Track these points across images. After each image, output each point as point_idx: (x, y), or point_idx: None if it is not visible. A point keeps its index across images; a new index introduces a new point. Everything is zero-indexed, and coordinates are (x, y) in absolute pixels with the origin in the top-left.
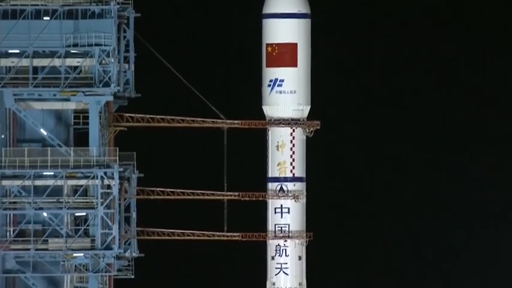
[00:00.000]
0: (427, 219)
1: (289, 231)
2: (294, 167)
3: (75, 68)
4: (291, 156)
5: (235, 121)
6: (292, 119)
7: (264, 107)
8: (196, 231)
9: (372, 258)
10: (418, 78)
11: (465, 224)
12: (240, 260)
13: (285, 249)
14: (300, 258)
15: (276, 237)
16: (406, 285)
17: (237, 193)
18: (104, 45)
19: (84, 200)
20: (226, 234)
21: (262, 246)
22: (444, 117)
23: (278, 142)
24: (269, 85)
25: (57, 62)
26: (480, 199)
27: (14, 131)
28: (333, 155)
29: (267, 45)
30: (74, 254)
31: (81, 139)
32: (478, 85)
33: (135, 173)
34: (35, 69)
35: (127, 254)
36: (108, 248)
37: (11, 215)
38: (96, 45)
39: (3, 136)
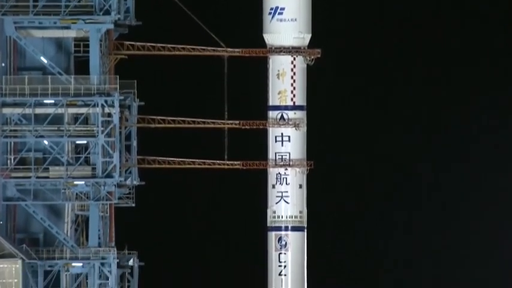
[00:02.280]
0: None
1: (289, 160)
2: (294, 96)
3: None
4: (292, 85)
5: (236, 49)
6: (293, 47)
7: (264, 35)
8: (197, 160)
9: (372, 188)
10: None
11: None
12: (240, 188)
13: (286, 178)
14: (300, 186)
15: (276, 165)
16: (406, 214)
17: (237, 121)
18: None
19: (85, 128)
20: (227, 162)
21: (263, 175)
22: None
23: (279, 70)
24: (270, 13)
25: None
26: None
27: (15, 59)
28: (334, 83)
29: None
30: (75, 182)
31: (81, 67)
32: None
33: (135, 101)
34: None
35: (128, 182)
36: (109, 176)
37: (12, 143)
38: None
39: (3, 64)
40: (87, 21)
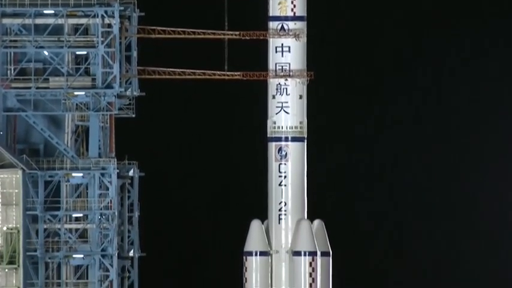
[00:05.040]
0: None
1: (289, 70)
2: (295, 6)
3: None
4: None
5: None
6: None
7: None
8: (197, 71)
9: (371, 109)
10: None
11: None
12: (240, 99)
13: (286, 88)
14: (300, 97)
15: (276, 76)
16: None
17: (237, 32)
18: None
19: (85, 39)
20: (227, 73)
21: (263, 85)
22: None
23: None
24: None
25: None
26: None
27: None
28: None
29: None
30: (75, 93)
31: None
32: None
33: (135, 11)
34: None
35: (128, 93)
36: (109, 86)
37: (12, 54)
38: None
39: None
40: None
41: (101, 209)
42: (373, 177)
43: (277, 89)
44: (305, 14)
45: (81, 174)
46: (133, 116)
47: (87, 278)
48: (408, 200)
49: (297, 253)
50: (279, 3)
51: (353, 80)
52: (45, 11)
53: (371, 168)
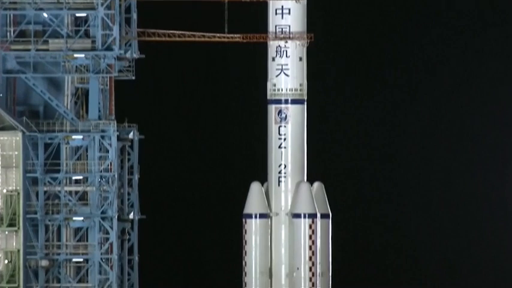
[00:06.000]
0: None
1: (289, 32)
2: None
3: None
4: None
5: None
6: None
7: None
8: (197, 33)
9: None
10: None
11: None
12: (240, 61)
13: (286, 51)
14: (300, 59)
15: (276, 38)
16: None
17: None
18: None
19: (84, 1)
20: (227, 35)
21: (263, 48)
22: None
23: None
24: None
25: None
26: None
27: None
28: None
29: None
30: (75, 55)
31: None
32: None
33: None
34: None
35: (127, 55)
36: (109, 49)
37: (11, 16)
38: None
39: None
40: None
41: (101, 172)
42: (373, 139)
43: (277, 51)
44: None
45: (81, 137)
46: (133, 78)
47: (87, 241)
48: (409, 161)
49: (297, 215)
50: None
51: (353, 42)
52: None
53: (371, 130)
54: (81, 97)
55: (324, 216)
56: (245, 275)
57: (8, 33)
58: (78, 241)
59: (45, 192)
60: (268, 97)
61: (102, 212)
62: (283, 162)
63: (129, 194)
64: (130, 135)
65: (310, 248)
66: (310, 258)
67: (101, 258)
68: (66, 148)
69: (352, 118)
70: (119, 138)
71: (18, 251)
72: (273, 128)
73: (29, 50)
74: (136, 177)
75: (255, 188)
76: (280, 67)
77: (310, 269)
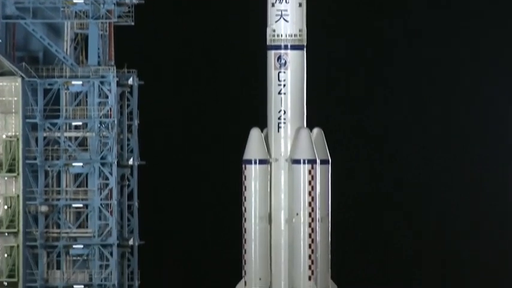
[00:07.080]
0: None
1: None
2: None
3: None
4: None
5: None
6: None
7: None
8: None
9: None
10: None
11: None
12: (239, 7)
13: None
14: (300, 5)
15: None
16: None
17: None
18: None
19: None
20: None
21: None
22: None
23: None
24: None
25: None
26: None
27: None
28: None
29: None
30: (74, 0)
31: None
32: None
33: None
34: None
35: (127, 1)
36: None
37: None
38: None
39: None
40: None
41: (101, 117)
42: (375, 82)
43: None
44: None
45: (80, 82)
46: (133, 24)
47: (86, 186)
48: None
49: (296, 161)
50: None
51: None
52: None
53: (371, 75)
54: (81, 43)
55: (324, 162)
56: (245, 221)
57: None
58: (77, 187)
59: (44, 138)
60: (268, 43)
61: (102, 158)
62: (282, 108)
63: (128, 139)
64: (130, 81)
65: (309, 193)
66: (310, 204)
67: (101, 204)
68: (65, 94)
69: (352, 62)
70: (118, 84)
71: (18, 196)
72: (272, 74)
73: None
74: (135, 122)
75: (255, 134)
76: (279, 13)
77: (310, 214)
